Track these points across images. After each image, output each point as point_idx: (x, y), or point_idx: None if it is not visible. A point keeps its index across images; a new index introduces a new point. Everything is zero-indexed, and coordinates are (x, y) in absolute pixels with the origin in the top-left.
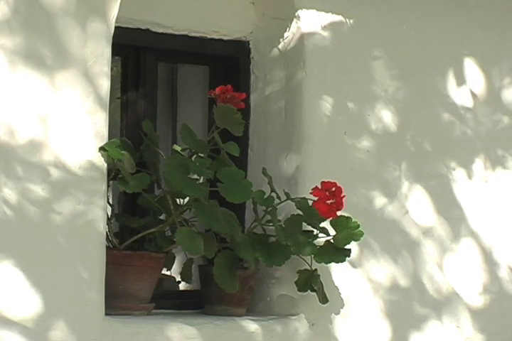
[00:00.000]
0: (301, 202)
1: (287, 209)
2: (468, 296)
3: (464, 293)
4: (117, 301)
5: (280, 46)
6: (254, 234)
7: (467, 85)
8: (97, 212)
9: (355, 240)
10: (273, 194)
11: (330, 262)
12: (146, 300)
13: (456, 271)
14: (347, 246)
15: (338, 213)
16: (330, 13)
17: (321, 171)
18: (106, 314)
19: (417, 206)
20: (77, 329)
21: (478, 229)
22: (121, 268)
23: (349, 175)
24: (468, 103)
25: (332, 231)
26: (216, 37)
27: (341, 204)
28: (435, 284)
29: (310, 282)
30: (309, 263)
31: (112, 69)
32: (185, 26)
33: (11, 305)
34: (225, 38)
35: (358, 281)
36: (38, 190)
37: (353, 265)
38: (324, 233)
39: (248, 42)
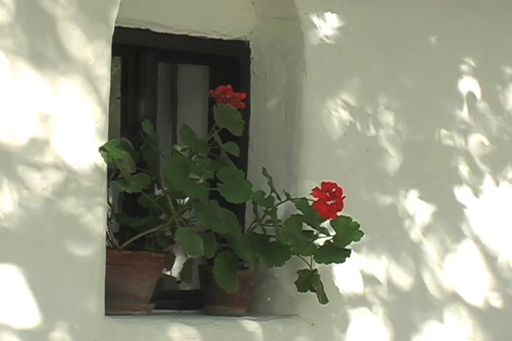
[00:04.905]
0: (301, 203)
1: (287, 209)
2: (469, 296)
3: (465, 293)
4: (117, 301)
5: (280, 46)
6: (254, 234)
7: (467, 85)
8: (97, 212)
9: (355, 240)
10: (273, 194)
11: (330, 262)
12: (146, 300)
13: (457, 271)
14: (347, 246)
15: (338, 213)
16: (330, 13)
17: (321, 171)
18: (106, 314)
19: (417, 206)
20: (77, 329)
21: (478, 229)
22: (121, 268)
23: (349, 175)
24: (469, 102)
25: (332, 231)
26: (216, 37)
27: (341, 205)
28: (436, 284)
29: (310, 282)
30: (309, 263)
31: (112, 69)
32: (185, 26)
33: (11, 306)
34: (225, 38)
35: (358, 281)
36: (38, 190)
37: (353, 265)
38: (324, 233)
39: (248, 42)
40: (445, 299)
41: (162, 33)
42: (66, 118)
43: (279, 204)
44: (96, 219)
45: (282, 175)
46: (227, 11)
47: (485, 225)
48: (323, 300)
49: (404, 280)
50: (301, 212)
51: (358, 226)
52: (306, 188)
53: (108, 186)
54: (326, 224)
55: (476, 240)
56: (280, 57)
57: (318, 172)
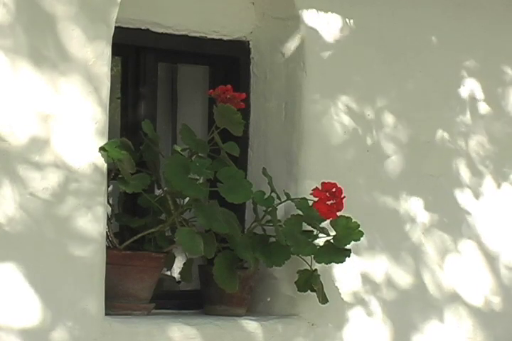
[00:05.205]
0: (301, 203)
1: (287, 209)
2: (469, 296)
3: (465, 293)
4: (117, 301)
5: (280, 46)
6: (254, 234)
7: (467, 85)
8: (97, 212)
9: (355, 240)
10: (273, 194)
11: (330, 262)
12: (146, 300)
13: (457, 271)
14: (347, 246)
15: (338, 213)
16: (330, 13)
17: (321, 171)
18: (106, 314)
19: (417, 206)
20: (77, 329)
21: (479, 229)
22: (121, 268)
23: (349, 175)
24: (469, 102)
25: (332, 231)
26: (216, 37)
27: (341, 205)
28: (436, 284)
29: (310, 282)
30: (309, 263)
31: (112, 69)
32: (185, 26)
33: (11, 306)
34: (225, 38)
35: (358, 281)
36: (38, 190)
37: (353, 265)
38: (324, 233)
39: (248, 42)
40: (445, 299)
41: (162, 33)
42: (66, 118)
43: (279, 204)
44: (96, 219)
45: (282, 175)
46: (227, 11)
47: (485, 225)
48: (323, 300)
49: (404, 280)
50: (301, 212)
51: (358, 226)
52: (306, 188)
53: (108, 186)
54: (326, 224)
55: (476, 240)
56: (280, 57)
57: (318, 172)
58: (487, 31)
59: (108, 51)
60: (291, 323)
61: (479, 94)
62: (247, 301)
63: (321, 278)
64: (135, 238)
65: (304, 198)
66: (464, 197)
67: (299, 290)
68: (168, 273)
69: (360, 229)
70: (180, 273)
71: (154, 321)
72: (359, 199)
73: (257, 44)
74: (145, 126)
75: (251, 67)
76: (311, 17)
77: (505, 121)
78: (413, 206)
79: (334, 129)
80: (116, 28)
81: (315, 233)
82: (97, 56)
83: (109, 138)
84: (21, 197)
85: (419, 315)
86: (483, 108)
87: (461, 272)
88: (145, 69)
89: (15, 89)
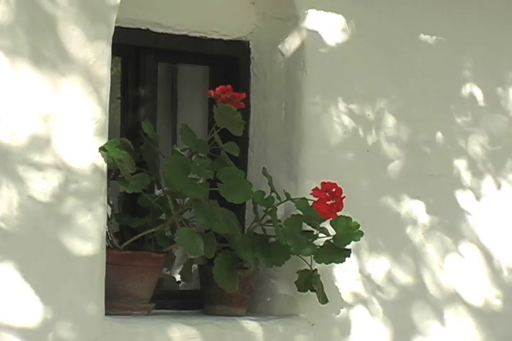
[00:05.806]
0: (301, 203)
1: (287, 209)
2: (469, 296)
3: (465, 293)
4: (117, 301)
5: (280, 46)
6: (254, 234)
7: (467, 85)
8: (97, 212)
9: (355, 240)
10: (273, 194)
11: (330, 262)
12: (146, 300)
13: (457, 272)
14: (347, 246)
15: (338, 213)
16: (330, 13)
17: (321, 171)
18: (106, 314)
19: (417, 206)
20: (77, 330)
21: (479, 229)
22: (121, 268)
23: (349, 175)
24: (469, 102)
25: (332, 231)
26: (216, 37)
27: (341, 205)
28: (436, 284)
29: (310, 282)
30: (309, 263)
31: (112, 69)
32: (185, 26)
33: (11, 306)
34: (225, 38)
35: (358, 281)
36: (38, 190)
37: (353, 265)
38: (324, 233)
39: (248, 42)
40: (445, 299)
41: (162, 33)
42: (66, 118)
43: (279, 204)
44: (96, 219)
45: (282, 175)
46: (227, 11)
47: (485, 226)
48: (323, 300)
49: (404, 280)
50: (301, 212)
51: (358, 226)
52: (306, 188)
53: (108, 186)
54: (326, 224)
55: (476, 240)
56: (280, 57)
57: (318, 172)
58: (487, 30)
59: (108, 51)
60: (291, 323)
61: (479, 94)
62: (247, 301)
63: (321, 278)
64: (135, 238)
65: (304, 198)
66: (464, 198)
67: (299, 290)
68: (168, 273)
69: (360, 229)
70: (180, 273)
71: (154, 321)
72: (359, 199)
73: (257, 44)
74: (145, 126)
75: (251, 67)
76: (311, 17)
77: (506, 121)
78: (413, 206)
79: (334, 129)
80: (116, 28)
81: (315, 233)
82: (97, 56)
83: (109, 138)
84: (21, 197)
85: (419, 315)
86: (484, 108)
87: (462, 272)
88: (145, 69)
89: (15, 89)
